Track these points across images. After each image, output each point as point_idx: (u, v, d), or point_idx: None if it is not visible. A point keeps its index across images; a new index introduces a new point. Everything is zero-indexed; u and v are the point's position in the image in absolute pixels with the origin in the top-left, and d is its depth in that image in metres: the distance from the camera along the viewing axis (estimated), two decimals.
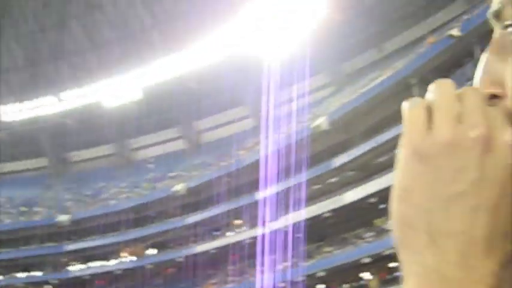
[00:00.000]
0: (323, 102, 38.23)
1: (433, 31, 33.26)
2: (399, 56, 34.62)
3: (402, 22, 34.43)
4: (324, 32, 35.06)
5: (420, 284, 0.49)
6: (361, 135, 34.56)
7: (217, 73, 43.91)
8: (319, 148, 35.04)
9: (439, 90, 0.51)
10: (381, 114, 32.58)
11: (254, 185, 38.14)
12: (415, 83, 30.87)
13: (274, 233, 37.03)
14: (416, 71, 30.91)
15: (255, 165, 37.77)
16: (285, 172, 36.64)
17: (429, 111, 0.50)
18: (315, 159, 34.76)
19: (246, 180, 38.61)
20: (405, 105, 0.52)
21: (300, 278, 35.19)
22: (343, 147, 34.51)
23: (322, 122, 35.09)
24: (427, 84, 0.46)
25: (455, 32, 30.04)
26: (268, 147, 38.22)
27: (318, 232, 36.08)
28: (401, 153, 0.51)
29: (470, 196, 0.49)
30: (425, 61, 30.68)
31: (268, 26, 39.29)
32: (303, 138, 34.67)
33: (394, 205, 0.52)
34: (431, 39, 32.21)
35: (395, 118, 31.30)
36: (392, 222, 0.52)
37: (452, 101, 0.50)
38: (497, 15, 0.55)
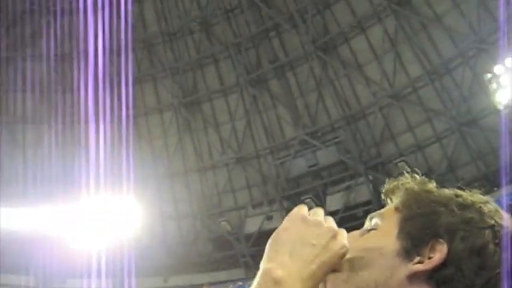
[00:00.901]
0: None
1: (211, 284, 40.38)
2: None
3: (185, 266, 42.03)
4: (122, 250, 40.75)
5: (276, 272, 0.97)
6: None
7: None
8: None
9: (316, 209, 1.10)
10: None
11: None
12: None
13: None
14: None
15: None
16: None
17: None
18: None
19: None
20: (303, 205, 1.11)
21: None
22: None
23: None
24: None
25: None
26: None
27: None
28: (294, 212, 1.06)
29: (315, 249, 0.99)
30: None
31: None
32: None
33: (277, 232, 1.05)
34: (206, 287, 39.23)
35: None
36: (271, 239, 1.04)
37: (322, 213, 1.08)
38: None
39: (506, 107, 28.27)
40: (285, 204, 38.64)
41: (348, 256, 1.05)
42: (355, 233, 1.12)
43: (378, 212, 1.11)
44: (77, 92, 32.19)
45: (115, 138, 33.37)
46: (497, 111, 29.27)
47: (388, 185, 1.15)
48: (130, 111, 34.44)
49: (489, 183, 32.44)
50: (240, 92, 39.38)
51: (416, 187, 1.09)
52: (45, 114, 39.47)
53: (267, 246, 1.04)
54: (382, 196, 1.16)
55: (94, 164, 31.47)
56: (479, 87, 30.65)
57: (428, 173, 35.20)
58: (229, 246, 41.02)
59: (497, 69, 28.36)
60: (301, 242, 1.00)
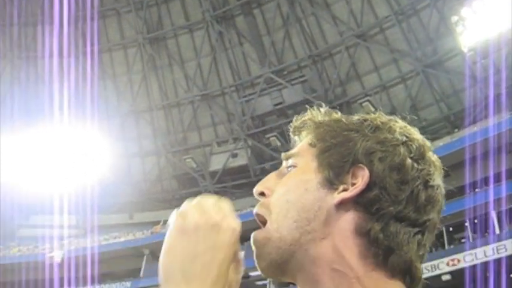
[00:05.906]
0: (68, 239, 42.93)
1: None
2: (143, 227, 41.47)
3: (150, 203, 42.27)
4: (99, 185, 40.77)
5: None
6: None
7: None
8: None
9: (200, 199, 0.97)
10: (107, 267, 38.27)
11: None
12: (147, 253, 37.66)
13: None
14: (149, 246, 37.64)
15: None
16: None
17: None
18: None
19: None
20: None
21: None
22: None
23: (58, 254, 39.75)
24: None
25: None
26: None
27: None
28: (170, 228, 0.93)
29: (206, 256, 0.91)
30: (158, 240, 37.57)
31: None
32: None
33: (161, 259, 0.92)
34: (158, 228, 39.26)
35: (123, 274, 37.24)
36: (160, 265, 0.92)
37: (205, 202, 0.96)
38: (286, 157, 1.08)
39: (471, 49, 28.63)
40: (250, 141, 38.95)
41: (273, 201, 1.03)
42: (272, 174, 1.09)
43: (292, 151, 1.09)
44: (40, 27, 31.10)
45: (79, 74, 32.61)
46: (462, 54, 29.67)
47: (295, 122, 1.12)
48: (95, 47, 33.55)
49: (450, 124, 33.32)
50: (205, 29, 38.73)
51: (325, 119, 1.08)
52: (7, 48, 38.33)
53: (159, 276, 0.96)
54: (291, 135, 1.13)
55: (58, 101, 30.86)
56: (446, 30, 30.85)
57: (391, 114, 36.37)
58: (194, 183, 41.26)
59: (464, 11, 28.54)
60: (189, 257, 0.93)
